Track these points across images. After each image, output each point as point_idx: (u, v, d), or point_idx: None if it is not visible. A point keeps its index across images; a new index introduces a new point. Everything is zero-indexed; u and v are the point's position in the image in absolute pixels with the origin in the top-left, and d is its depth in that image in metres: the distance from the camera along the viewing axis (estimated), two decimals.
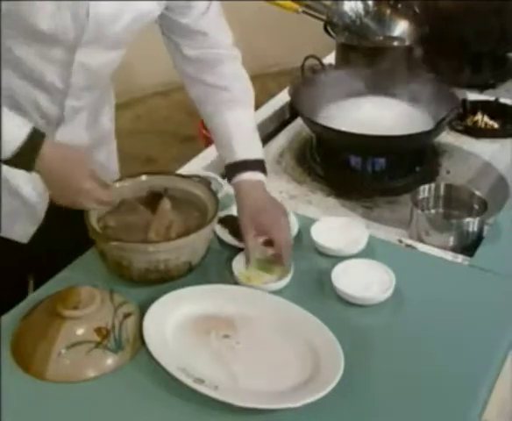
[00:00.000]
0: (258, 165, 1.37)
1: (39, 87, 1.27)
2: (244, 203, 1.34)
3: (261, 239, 1.31)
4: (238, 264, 1.30)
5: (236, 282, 1.27)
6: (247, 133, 1.39)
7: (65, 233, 1.46)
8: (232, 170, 1.37)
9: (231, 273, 1.29)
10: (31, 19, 1.15)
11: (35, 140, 1.18)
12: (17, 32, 1.18)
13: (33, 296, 1.25)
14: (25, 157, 1.18)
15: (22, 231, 1.41)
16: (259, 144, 1.41)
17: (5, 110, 1.18)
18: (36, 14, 1.14)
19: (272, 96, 2.06)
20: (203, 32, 1.37)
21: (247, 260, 1.30)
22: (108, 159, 1.53)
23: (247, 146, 1.38)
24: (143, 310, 1.18)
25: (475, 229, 1.40)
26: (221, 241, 1.38)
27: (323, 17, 2.06)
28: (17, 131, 1.17)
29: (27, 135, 1.17)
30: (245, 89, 1.42)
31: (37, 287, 1.55)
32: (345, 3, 2.10)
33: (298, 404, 1.02)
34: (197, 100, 1.43)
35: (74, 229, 1.42)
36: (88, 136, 1.42)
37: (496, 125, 1.90)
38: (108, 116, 1.51)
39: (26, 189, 1.36)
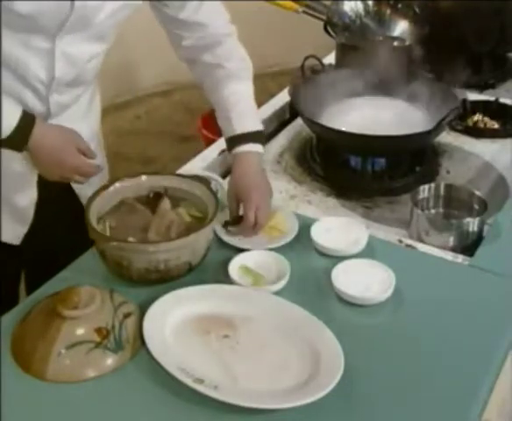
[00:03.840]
0: (253, 137, 1.42)
1: (24, 83, 1.28)
2: (233, 171, 1.41)
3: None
4: (235, 267, 1.30)
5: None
6: (243, 107, 1.45)
7: (56, 232, 1.48)
8: (231, 143, 1.43)
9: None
10: (10, 3, 1.16)
11: (26, 122, 1.24)
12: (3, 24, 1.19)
13: (33, 296, 1.25)
14: (17, 138, 1.24)
15: (13, 233, 1.43)
16: (256, 115, 1.46)
17: None
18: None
19: (272, 96, 2.06)
20: (202, 23, 1.41)
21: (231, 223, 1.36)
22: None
23: (244, 119, 1.43)
24: (143, 310, 1.18)
25: (475, 229, 1.40)
26: (221, 241, 1.38)
27: (323, 17, 2.06)
28: (7, 115, 1.22)
29: (18, 119, 1.23)
30: (239, 63, 1.47)
31: (29, 287, 1.58)
32: (345, 3, 2.10)
33: (298, 404, 1.02)
34: (198, 78, 1.49)
35: (64, 227, 1.44)
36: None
37: (496, 125, 1.90)
38: (95, 113, 1.52)
39: (13, 190, 1.38)
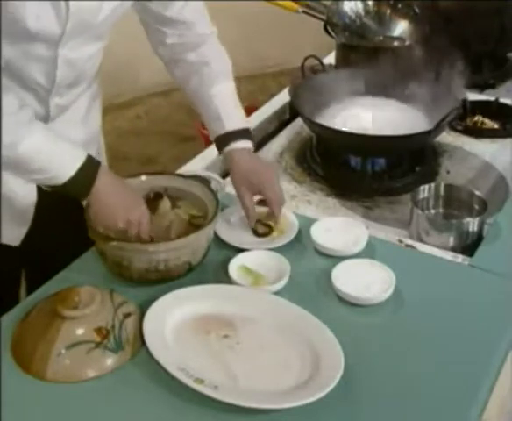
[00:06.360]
0: (245, 133, 1.44)
1: (26, 87, 1.27)
2: (237, 169, 1.41)
3: (256, 199, 1.41)
4: (234, 267, 1.30)
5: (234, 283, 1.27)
6: (232, 105, 1.46)
7: (55, 232, 1.48)
8: (223, 141, 1.43)
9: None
10: (17, 19, 1.15)
11: (90, 167, 1.23)
12: (2, 33, 1.17)
13: (33, 296, 1.25)
14: (80, 183, 1.21)
15: (12, 234, 1.42)
16: (243, 113, 1.48)
17: (58, 138, 1.22)
18: (22, 13, 1.14)
19: (272, 96, 2.06)
20: (186, 21, 1.41)
21: (250, 221, 1.39)
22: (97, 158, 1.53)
23: (234, 117, 1.45)
24: (143, 310, 1.18)
25: (475, 229, 1.40)
26: (221, 241, 1.38)
27: (323, 17, 2.06)
28: (70, 158, 1.21)
29: (82, 162, 1.21)
30: (224, 62, 1.48)
31: (29, 288, 1.58)
32: (345, 3, 2.10)
33: (298, 404, 1.02)
34: (180, 79, 1.48)
35: (64, 228, 1.43)
36: (76, 135, 1.42)
37: (496, 125, 1.90)
38: (96, 115, 1.52)
39: (13, 191, 1.36)
